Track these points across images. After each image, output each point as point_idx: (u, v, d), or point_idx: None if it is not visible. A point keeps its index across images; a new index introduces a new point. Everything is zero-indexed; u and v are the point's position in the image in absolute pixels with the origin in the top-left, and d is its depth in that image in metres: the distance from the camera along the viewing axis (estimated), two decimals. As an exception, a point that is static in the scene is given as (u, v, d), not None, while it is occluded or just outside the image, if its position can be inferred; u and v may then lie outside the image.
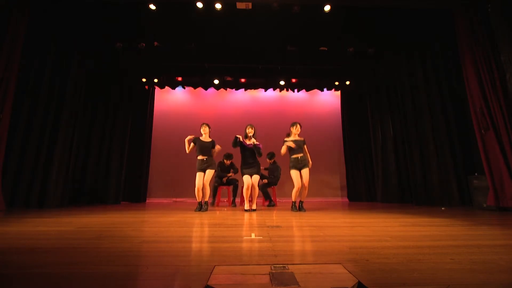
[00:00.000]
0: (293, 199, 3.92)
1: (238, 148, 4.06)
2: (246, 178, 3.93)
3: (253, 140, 3.92)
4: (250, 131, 3.96)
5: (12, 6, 3.82)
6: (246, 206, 3.86)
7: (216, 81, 6.55)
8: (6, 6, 3.77)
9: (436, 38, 5.03)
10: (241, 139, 3.98)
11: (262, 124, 6.50)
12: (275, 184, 5.16)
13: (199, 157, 4.01)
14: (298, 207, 3.87)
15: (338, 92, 7.62)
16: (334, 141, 7.41)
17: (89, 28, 4.89)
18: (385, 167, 5.86)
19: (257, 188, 4.00)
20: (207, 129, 4.11)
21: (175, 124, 7.25)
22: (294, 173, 3.84)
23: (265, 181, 5.02)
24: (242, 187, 3.95)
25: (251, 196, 3.99)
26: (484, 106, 3.76)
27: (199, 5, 4.32)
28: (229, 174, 5.26)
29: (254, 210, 3.89)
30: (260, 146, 4.01)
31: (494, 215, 3.11)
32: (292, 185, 3.89)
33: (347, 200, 6.88)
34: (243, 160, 4.02)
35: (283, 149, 3.90)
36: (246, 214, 3.36)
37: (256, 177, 3.97)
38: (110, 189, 5.52)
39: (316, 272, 0.97)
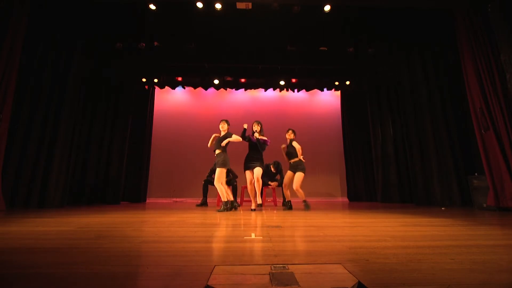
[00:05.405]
0: (289, 198, 4.19)
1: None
2: (247, 174, 3.91)
3: (256, 135, 3.99)
4: (256, 128, 4.04)
5: (11, 7, 3.82)
6: (253, 206, 3.83)
7: (216, 81, 6.55)
8: (6, 6, 3.77)
9: (436, 38, 5.02)
10: (249, 134, 4.08)
11: (262, 124, 6.50)
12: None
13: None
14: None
15: (338, 92, 7.63)
16: (334, 141, 7.41)
17: (89, 28, 4.89)
18: (385, 167, 5.86)
19: (260, 181, 3.88)
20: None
21: (175, 124, 7.26)
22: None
23: (276, 183, 5.07)
24: (245, 187, 3.94)
25: (255, 191, 3.91)
26: (484, 106, 3.76)
27: (199, 5, 4.32)
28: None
29: (261, 205, 3.89)
30: (268, 141, 4.03)
31: (494, 215, 3.11)
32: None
33: (347, 200, 6.88)
34: (248, 155, 4.02)
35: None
36: (247, 214, 3.33)
37: (258, 170, 3.87)
38: (110, 189, 5.52)
39: (316, 272, 0.97)
